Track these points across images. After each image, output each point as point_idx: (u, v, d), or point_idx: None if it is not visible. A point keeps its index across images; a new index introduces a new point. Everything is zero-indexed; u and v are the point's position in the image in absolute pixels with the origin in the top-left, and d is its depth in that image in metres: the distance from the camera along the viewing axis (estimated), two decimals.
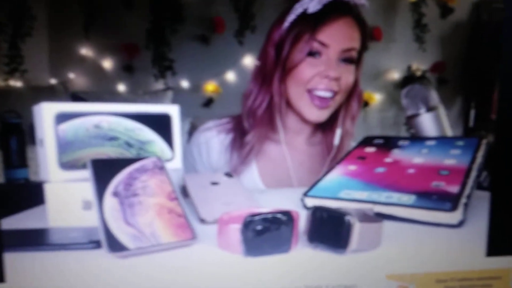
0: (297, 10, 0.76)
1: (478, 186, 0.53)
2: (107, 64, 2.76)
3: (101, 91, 2.72)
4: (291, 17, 0.77)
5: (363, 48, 0.81)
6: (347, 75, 0.78)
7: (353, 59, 0.78)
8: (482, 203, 0.45)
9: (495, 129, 0.44)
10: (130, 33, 2.69)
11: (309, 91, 0.77)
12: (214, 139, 0.86)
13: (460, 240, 0.44)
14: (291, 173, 0.84)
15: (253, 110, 0.82)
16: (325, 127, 0.87)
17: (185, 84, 2.73)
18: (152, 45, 2.68)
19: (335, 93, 0.77)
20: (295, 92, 0.79)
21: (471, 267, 0.43)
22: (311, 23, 0.75)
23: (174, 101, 2.53)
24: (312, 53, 0.76)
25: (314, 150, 0.88)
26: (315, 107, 0.77)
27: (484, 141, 0.58)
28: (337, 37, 0.75)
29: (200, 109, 2.72)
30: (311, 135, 0.88)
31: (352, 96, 0.83)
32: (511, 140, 0.43)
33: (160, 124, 0.56)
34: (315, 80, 0.76)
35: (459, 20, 2.90)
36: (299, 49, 0.76)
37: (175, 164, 0.57)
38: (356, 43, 0.78)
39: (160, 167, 0.49)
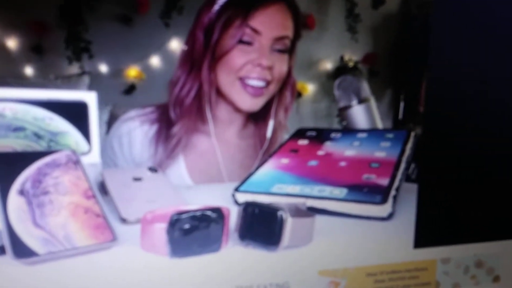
0: None
1: (407, 178, 0.57)
2: (12, 43, 2.56)
3: (5, 74, 2.52)
4: (220, 1, 0.76)
5: (296, 36, 0.83)
6: (280, 64, 0.79)
7: (286, 48, 0.80)
8: (410, 195, 0.48)
9: (422, 121, 0.47)
10: (39, 9, 2.52)
11: (241, 79, 0.77)
12: (137, 130, 0.83)
13: (390, 233, 0.47)
14: (221, 167, 0.84)
15: (180, 99, 0.80)
16: (258, 119, 0.88)
17: (103, 68, 2.62)
18: (66, 23, 2.53)
19: (268, 83, 0.78)
20: (226, 80, 0.78)
21: (400, 260, 0.45)
22: (243, 7, 0.75)
23: (91, 87, 2.41)
24: (243, 40, 0.76)
25: (246, 143, 0.89)
26: (248, 95, 0.78)
27: (413, 134, 0.62)
28: (270, 24, 0.76)
29: (120, 96, 2.62)
30: (242, 127, 0.88)
31: (286, 86, 0.85)
32: (438, 132, 0.46)
33: (75, 113, 0.54)
34: (247, 68, 0.76)
35: (390, 11, 3.06)
36: (230, 35, 0.76)
37: (92, 158, 0.55)
38: (289, 32, 0.79)
39: (74, 162, 0.47)
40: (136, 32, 2.64)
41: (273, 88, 0.81)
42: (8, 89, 0.49)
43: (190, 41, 0.81)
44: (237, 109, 0.82)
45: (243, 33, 0.75)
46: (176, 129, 0.80)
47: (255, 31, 0.75)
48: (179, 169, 0.82)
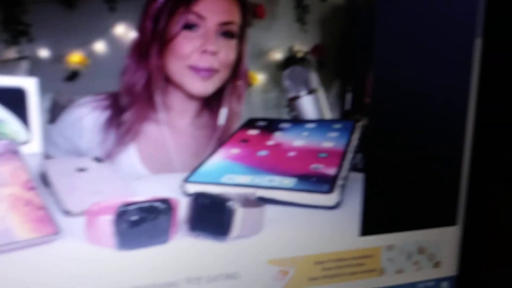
0: None
1: (354, 168, 0.58)
2: None
3: None
4: None
5: (244, 23, 0.83)
6: (227, 50, 0.80)
7: (233, 33, 0.80)
8: (357, 184, 0.50)
9: (368, 112, 0.48)
10: None
11: (190, 67, 0.78)
12: (88, 117, 0.81)
13: (337, 222, 0.48)
14: (172, 156, 0.84)
15: (129, 87, 0.80)
16: (211, 108, 0.88)
17: (44, 53, 2.50)
18: (1, 4, 2.39)
19: (216, 70, 0.79)
20: (175, 67, 0.78)
21: (346, 247, 0.47)
22: None
23: (30, 73, 2.30)
24: (189, 26, 0.76)
25: (200, 133, 0.88)
26: (198, 79, 0.78)
27: (359, 124, 0.64)
28: (214, 9, 0.77)
29: (63, 83, 2.52)
30: (196, 117, 0.88)
31: (237, 74, 0.85)
32: (382, 123, 0.48)
33: (13, 100, 0.52)
34: (194, 56, 0.77)
35: (337, 3, 3.12)
36: (175, 21, 0.76)
37: (33, 147, 0.52)
38: (235, 17, 0.80)
39: (13, 152, 0.45)
40: (78, 15, 2.54)
41: (222, 75, 0.81)
42: None
43: (139, 30, 0.81)
44: (189, 96, 0.82)
45: (187, 19, 0.76)
46: (126, 116, 0.79)
47: (199, 16, 0.76)
48: (130, 157, 0.81)
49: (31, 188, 0.42)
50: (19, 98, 0.52)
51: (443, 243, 0.53)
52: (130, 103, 0.80)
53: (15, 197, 0.40)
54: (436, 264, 0.53)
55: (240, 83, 0.86)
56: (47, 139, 0.80)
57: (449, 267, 0.54)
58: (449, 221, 0.53)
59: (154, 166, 0.83)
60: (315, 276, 0.46)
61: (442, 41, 0.48)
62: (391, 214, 0.50)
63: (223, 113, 0.85)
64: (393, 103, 0.47)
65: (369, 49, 0.48)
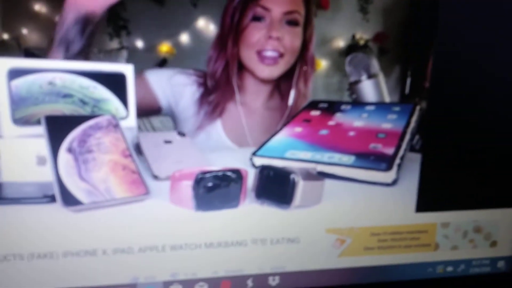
0: None
1: (411, 148, 0.56)
2: None
3: None
4: None
5: (309, 12, 0.82)
6: (292, 36, 0.80)
7: (297, 21, 0.80)
8: (414, 164, 0.48)
9: (427, 96, 0.45)
10: None
11: (258, 52, 0.79)
12: (188, 87, 0.86)
13: (393, 198, 0.46)
14: (247, 133, 0.86)
15: (213, 74, 0.84)
16: (281, 91, 0.89)
17: (139, 44, 2.60)
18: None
19: (281, 54, 0.79)
20: (246, 54, 0.81)
21: (402, 222, 0.45)
22: None
23: (128, 60, 2.41)
24: (257, 18, 0.78)
25: (271, 113, 0.90)
26: (264, 65, 0.80)
27: (418, 107, 0.61)
28: (278, 1, 0.78)
29: (154, 69, 2.61)
30: (268, 98, 0.90)
31: (304, 59, 0.85)
32: (441, 107, 0.45)
33: (115, 83, 0.54)
34: (261, 42, 0.79)
35: None
36: (245, 15, 0.79)
37: (129, 122, 0.55)
38: (299, 7, 0.80)
39: (114, 125, 0.47)
40: (167, 11, 2.61)
41: (288, 59, 0.82)
42: (58, 61, 0.49)
43: (220, 26, 0.85)
44: (260, 81, 0.84)
45: (255, 12, 0.77)
46: (213, 97, 0.83)
47: (265, 8, 0.77)
48: (217, 130, 0.85)
49: (128, 156, 0.45)
50: (120, 81, 0.54)
51: (500, 223, 0.49)
52: (215, 86, 0.84)
53: (115, 163, 0.43)
54: (493, 244, 0.49)
55: (307, 67, 0.86)
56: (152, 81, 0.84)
57: (506, 247, 0.50)
58: (507, 203, 0.49)
59: (234, 139, 0.86)
60: (370, 246, 0.45)
61: (504, 27, 0.43)
62: (447, 194, 0.47)
63: (291, 95, 0.86)
64: (452, 87, 0.44)
65: (430, 36, 0.45)
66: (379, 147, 0.52)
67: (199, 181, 0.38)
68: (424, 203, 0.45)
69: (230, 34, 0.80)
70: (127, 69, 0.54)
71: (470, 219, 0.48)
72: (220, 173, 0.39)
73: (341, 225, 0.43)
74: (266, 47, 0.78)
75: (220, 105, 0.84)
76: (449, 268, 0.49)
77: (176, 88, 0.85)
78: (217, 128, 0.85)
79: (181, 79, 0.86)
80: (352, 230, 0.43)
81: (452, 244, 0.48)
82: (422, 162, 0.45)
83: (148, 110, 0.86)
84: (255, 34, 0.78)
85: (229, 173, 0.40)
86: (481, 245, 0.49)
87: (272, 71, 0.81)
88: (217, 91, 0.83)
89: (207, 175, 0.39)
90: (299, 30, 0.81)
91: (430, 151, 0.46)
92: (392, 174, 0.47)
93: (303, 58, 0.85)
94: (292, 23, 0.79)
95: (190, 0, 2.70)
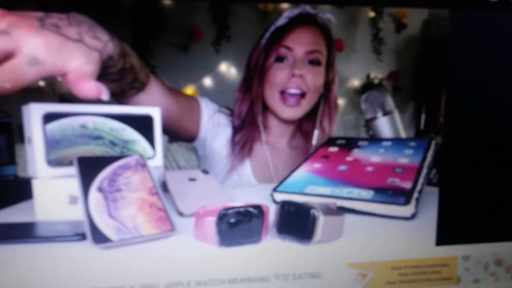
0: (271, 29, 0.80)
1: (428, 182, 0.54)
2: None
3: None
4: (266, 35, 0.80)
5: (331, 52, 0.83)
6: (314, 75, 0.80)
7: (319, 61, 0.80)
8: (432, 198, 0.47)
9: (442, 131, 0.45)
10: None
11: (281, 93, 0.79)
12: (225, 129, 0.85)
13: (413, 232, 0.45)
14: (271, 171, 0.85)
15: (239, 114, 0.85)
16: (306, 131, 0.89)
17: None
18: (136, 51, 2.61)
19: (304, 92, 0.79)
20: (270, 94, 0.81)
21: (422, 256, 0.44)
22: (280, 34, 0.77)
23: None
24: (280, 58, 0.78)
25: (295, 152, 0.89)
26: (287, 106, 0.79)
27: (434, 142, 0.60)
28: (301, 41, 0.78)
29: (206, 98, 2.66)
30: (292, 138, 0.90)
31: (328, 99, 0.85)
32: (457, 141, 0.44)
33: (143, 125, 0.55)
34: (284, 81, 0.79)
35: (412, 34, 2.96)
36: (269, 56, 0.79)
37: (156, 161, 0.56)
38: (320, 47, 0.80)
39: (142, 165, 0.48)
40: (192, 57, 2.70)
41: (310, 98, 0.81)
42: (89, 105, 0.51)
43: (245, 68, 0.86)
44: (284, 121, 0.83)
45: (278, 52, 0.78)
46: (239, 137, 0.82)
47: (287, 48, 0.78)
48: (246, 170, 0.84)
49: (154, 194, 0.45)
50: (148, 123, 0.55)
51: None
52: (241, 126, 0.84)
53: (142, 200, 0.43)
54: None
55: (330, 106, 0.86)
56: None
57: None
58: None
59: (261, 179, 0.85)
60: (392, 280, 0.43)
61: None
62: (466, 226, 0.45)
63: (315, 135, 0.85)
64: (467, 121, 0.44)
65: (442, 73, 0.45)
66: (397, 181, 0.51)
67: (222, 217, 0.38)
68: (444, 236, 0.44)
69: (255, 75, 0.81)
70: (155, 112, 0.56)
71: (490, 251, 0.46)
72: (242, 209, 0.39)
73: (362, 260, 0.42)
74: (289, 85, 0.78)
75: (247, 144, 0.83)
76: None
77: (216, 127, 0.85)
78: (246, 169, 0.84)
79: (221, 119, 0.86)
80: (373, 264, 0.42)
81: (473, 277, 0.45)
82: (440, 196, 0.44)
83: (186, 134, 0.83)
84: (279, 74, 0.79)
85: (250, 209, 0.39)
86: (503, 278, 0.47)
87: (295, 112, 0.81)
88: (244, 131, 0.83)
89: (230, 211, 0.38)
90: (321, 69, 0.81)
91: (448, 185, 0.45)
92: (410, 208, 0.46)
93: (326, 98, 0.85)
94: (314, 62, 0.80)
95: (213, 47, 2.80)
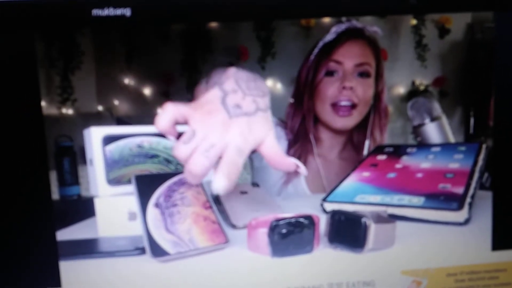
0: (319, 44, 0.79)
1: (481, 186, 0.51)
2: (147, 91, 2.79)
3: (143, 115, 2.75)
4: (315, 51, 0.80)
5: (379, 64, 0.81)
6: (363, 87, 0.79)
7: (368, 73, 0.79)
8: (485, 202, 0.44)
9: (493, 134, 0.43)
10: (166, 63, 2.72)
11: (333, 105, 0.79)
12: (282, 142, 0.86)
13: (467, 237, 0.42)
14: (324, 182, 0.85)
15: (291, 128, 0.84)
16: (357, 142, 0.87)
17: None
18: (186, 73, 2.70)
19: (355, 104, 0.78)
20: (321, 107, 0.81)
21: (478, 261, 0.41)
22: (328, 49, 0.77)
23: None
24: (330, 73, 0.78)
25: (347, 163, 0.88)
26: (339, 116, 0.79)
27: (484, 146, 0.56)
28: (349, 54, 0.77)
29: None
30: (343, 149, 0.88)
31: (378, 109, 0.83)
32: (508, 143, 0.42)
33: None
34: (335, 94, 0.78)
35: (456, 39, 2.84)
36: (319, 70, 0.79)
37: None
38: (369, 59, 0.79)
39: None
40: None
41: (361, 110, 0.80)
42: (145, 126, 0.53)
43: (295, 84, 0.86)
44: (335, 133, 0.83)
45: (327, 66, 0.77)
46: (292, 151, 0.83)
47: (337, 62, 0.77)
48: (301, 183, 0.84)
49: (208, 207, 0.46)
50: None
51: None
52: (295, 140, 0.84)
53: (197, 214, 0.44)
54: None
55: (380, 116, 0.84)
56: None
57: None
58: None
59: (314, 189, 0.84)
60: (448, 287, 0.41)
61: None
62: None
63: (366, 145, 0.84)
64: None
65: (489, 76, 0.43)
66: (448, 187, 0.49)
67: (274, 228, 0.38)
68: (500, 241, 0.41)
69: (306, 90, 0.81)
70: None
71: None
72: (293, 220, 0.39)
73: (416, 267, 0.40)
74: (340, 98, 0.77)
75: (301, 158, 0.82)
76: None
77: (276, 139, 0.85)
78: (301, 181, 0.84)
79: (278, 131, 0.87)
80: (428, 271, 0.40)
81: None
82: (494, 200, 0.41)
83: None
84: (329, 88, 0.78)
85: (301, 219, 0.39)
86: None
87: (347, 122, 0.80)
88: (297, 145, 0.83)
89: (281, 222, 0.38)
90: (370, 81, 0.80)
91: (501, 188, 0.42)
92: (464, 213, 0.44)
93: (376, 108, 0.84)
94: (364, 74, 0.79)
95: (259, 64, 2.84)
